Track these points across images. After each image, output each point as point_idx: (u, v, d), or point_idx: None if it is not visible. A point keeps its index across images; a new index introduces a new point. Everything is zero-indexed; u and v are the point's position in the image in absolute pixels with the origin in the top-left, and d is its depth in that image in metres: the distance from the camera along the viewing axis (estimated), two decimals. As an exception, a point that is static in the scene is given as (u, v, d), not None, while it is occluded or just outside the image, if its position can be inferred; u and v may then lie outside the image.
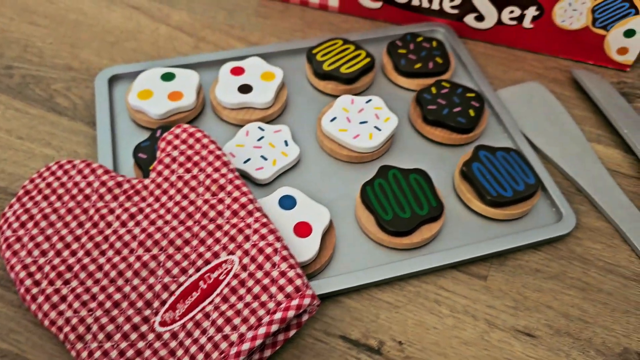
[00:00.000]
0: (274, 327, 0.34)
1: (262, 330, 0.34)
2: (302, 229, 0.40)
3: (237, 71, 0.50)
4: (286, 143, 0.46)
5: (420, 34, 0.57)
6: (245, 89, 0.49)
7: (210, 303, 0.36)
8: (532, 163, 0.47)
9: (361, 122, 0.47)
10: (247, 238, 0.38)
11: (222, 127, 0.49)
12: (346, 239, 0.42)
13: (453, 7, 0.56)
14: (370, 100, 0.49)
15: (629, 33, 0.54)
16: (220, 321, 0.35)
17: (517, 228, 0.44)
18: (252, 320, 0.34)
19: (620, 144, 0.51)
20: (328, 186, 0.45)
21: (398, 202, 0.42)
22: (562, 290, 0.41)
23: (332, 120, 0.47)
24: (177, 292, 0.37)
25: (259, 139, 0.47)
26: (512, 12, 0.55)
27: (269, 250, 0.37)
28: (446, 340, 0.38)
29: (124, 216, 0.39)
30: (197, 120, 0.49)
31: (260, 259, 0.37)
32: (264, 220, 0.38)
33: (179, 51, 0.56)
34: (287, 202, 0.42)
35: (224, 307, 0.35)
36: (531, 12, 0.54)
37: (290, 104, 0.51)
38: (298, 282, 0.36)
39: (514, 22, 0.56)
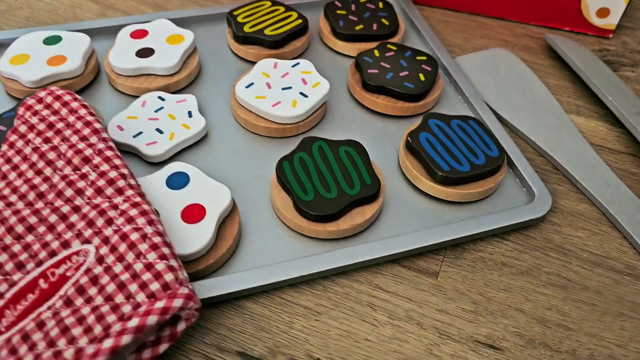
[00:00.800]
0: (125, 340, 0.24)
1: (107, 344, 0.24)
2: (193, 213, 0.31)
3: (139, 34, 0.41)
4: (190, 114, 0.37)
5: (364, -4, 0.48)
6: (144, 52, 0.40)
7: (49, 308, 0.26)
8: (496, 134, 0.38)
9: (284, 88, 0.38)
10: (109, 222, 0.28)
11: (117, 98, 0.40)
12: (256, 227, 0.33)
13: (404, -33, 0.48)
14: (297, 64, 0.40)
15: (610, -10, 0.45)
16: (54, 332, 0.25)
17: (478, 212, 0.34)
18: (97, 329, 0.25)
19: (604, 116, 0.42)
20: (240, 165, 0.36)
21: (323, 180, 0.33)
22: (536, 288, 0.32)
23: (248, 86, 0.38)
24: (8, 295, 0.27)
25: (157, 110, 0.37)
26: (472, -31, 0.47)
27: (134, 236, 0.27)
28: (382, 356, 0.28)
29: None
30: (86, 91, 0.40)
31: (123, 248, 0.27)
32: (137, 199, 0.29)
33: (81, 19, 0.47)
34: (178, 181, 0.32)
35: (64, 312, 0.26)
36: (494, -32, 0.46)
37: (204, 72, 0.42)
38: (169, 277, 0.26)
39: (476, -17, 0.48)
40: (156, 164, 0.36)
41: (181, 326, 0.26)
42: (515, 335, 0.30)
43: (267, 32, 0.42)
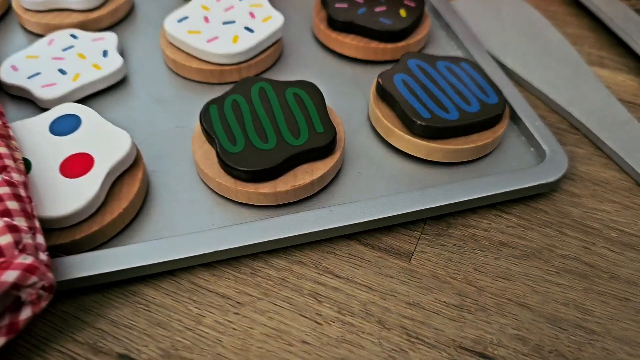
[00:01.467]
0: None
1: None
2: (77, 165, 0.23)
3: (57, -37, 0.34)
4: (105, 54, 0.29)
5: None
6: (58, -18, 0.32)
7: None
8: (497, 82, 0.29)
9: (226, 23, 0.30)
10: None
11: (25, 39, 0.32)
12: (168, 189, 0.25)
13: None
14: (247, -4, 0.32)
15: None
16: None
17: (469, 175, 0.26)
18: None
19: (635, 69, 0.33)
20: (162, 116, 0.28)
21: (259, 128, 0.24)
22: (546, 276, 0.23)
23: (180, 20, 0.30)
24: None
25: (66, 49, 0.30)
26: None
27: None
28: (323, 366, 0.20)
29: None
30: (-14, 30, 0.32)
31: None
32: (-9, 140, 0.21)
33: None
34: (66, 125, 0.24)
35: None
36: None
37: (137, 9, 0.34)
38: (4, 239, 0.18)
39: None
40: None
41: (25, 313, 0.18)
42: (515, 339, 0.21)
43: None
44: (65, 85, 0.27)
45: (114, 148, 0.23)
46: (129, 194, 0.23)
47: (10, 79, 0.28)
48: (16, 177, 0.20)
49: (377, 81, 0.27)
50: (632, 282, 0.23)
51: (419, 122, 0.25)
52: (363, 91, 0.30)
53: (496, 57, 0.33)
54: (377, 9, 0.31)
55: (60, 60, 0.29)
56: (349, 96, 0.29)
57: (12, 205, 0.19)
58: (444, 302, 0.22)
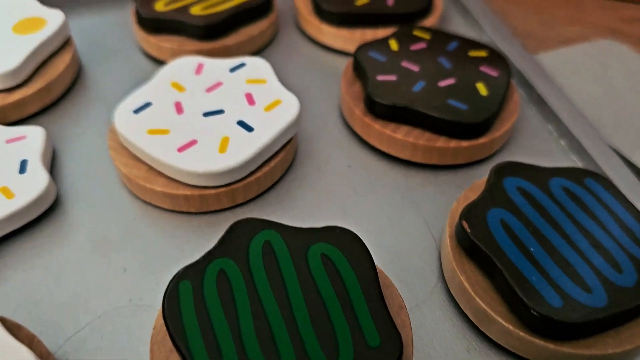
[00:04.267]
0: None
1: None
2: None
3: (-33, 16, 0.23)
4: (23, 167, 0.19)
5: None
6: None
7: None
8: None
9: (208, 113, 0.19)
10: None
11: None
12: None
13: None
14: (241, 66, 0.21)
15: None
16: None
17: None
18: None
19: None
20: (114, 277, 0.17)
21: (263, 332, 0.14)
22: None
23: (139, 109, 0.19)
24: None
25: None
26: None
27: None
28: None
29: None
30: None
31: None
32: None
33: None
34: None
35: None
36: None
37: (83, 83, 0.24)
38: None
39: None
40: None
41: None
42: None
43: (194, 10, 0.23)
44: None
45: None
46: None
47: None
48: None
49: (461, 225, 0.16)
50: None
51: (539, 313, 0.14)
52: (427, 222, 0.19)
53: (615, 147, 0.22)
54: (443, 83, 0.20)
55: (-53, 182, 0.18)
56: (402, 221, 0.19)
57: None
58: None
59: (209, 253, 0.15)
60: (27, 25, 0.23)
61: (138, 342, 0.16)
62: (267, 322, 0.14)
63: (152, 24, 0.24)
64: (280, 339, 0.14)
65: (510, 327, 0.15)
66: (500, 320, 0.15)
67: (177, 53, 0.23)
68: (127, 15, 0.27)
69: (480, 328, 0.16)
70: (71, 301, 0.17)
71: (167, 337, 0.15)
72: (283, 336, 0.14)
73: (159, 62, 0.24)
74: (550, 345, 0.15)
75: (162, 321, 0.15)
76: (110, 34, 0.26)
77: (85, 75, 0.24)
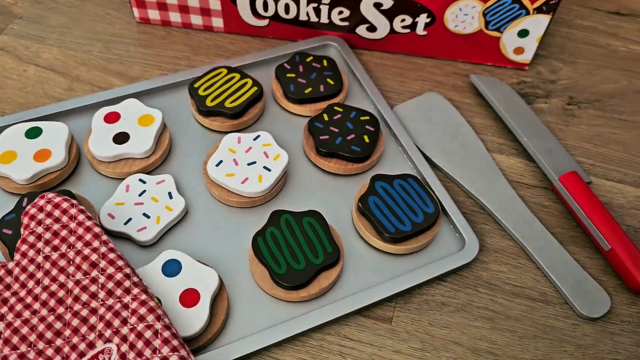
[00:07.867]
0: None
1: None
2: (189, 298, 0.37)
3: (112, 118, 0.46)
4: (170, 195, 0.43)
5: (309, 53, 0.53)
6: (121, 138, 0.45)
7: (87, 403, 0.32)
8: (432, 187, 0.45)
9: (249, 164, 0.44)
10: (124, 321, 0.34)
11: (102, 182, 0.45)
12: (241, 298, 0.39)
13: (342, 20, 0.53)
14: (258, 137, 0.45)
15: (523, 33, 0.52)
16: None
17: (422, 261, 0.42)
18: (132, 420, 0.31)
19: (522, 152, 0.50)
20: (219, 238, 0.42)
21: (292, 252, 0.39)
22: (469, 322, 0.40)
23: (217, 164, 0.44)
24: (49, 394, 0.33)
25: (141, 194, 0.43)
26: (403, 20, 0.52)
27: (148, 334, 0.34)
28: (352, 398, 0.36)
29: (-17, 313, 0.35)
30: (72, 178, 0.45)
31: (140, 345, 0.33)
32: (143, 297, 0.35)
33: (50, 95, 0.51)
34: (172, 268, 0.38)
35: (101, 406, 0.32)
36: (422, 19, 0.52)
37: (175, 147, 0.47)
38: (182, 366, 0.33)
39: (407, 30, 0.53)
40: (147, 246, 0.41)
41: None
42: (454, 365, 0.38)
43: (227, 104, 0.47)
44: (153, 228, 0.41)
45: (209, 282, 0.38)
46: (223, 309, 0.38)
47: (113, 226, 0.41)
48: (167, 320, 0.35)
49: (358, 205, 0.42)
50: (517, 319, 0.40)
51: (387, 235, 0.41)
52: (346, 200, 0.45)
53: (429, 156, 0.48)
54: (349, 137, 0.46)
55: (141, 205, 0.42)
56: (337, 206, 0.44)
57: (175, 342, 0.33)
58: (413, 347, 0.39)
59: (265, 225, 0.41)
60: (144, 120, 0.46)
61: (242, 262, 0.41)
62: (293, 250, 0.40)
63: (206, 112, 0.47)
64: (298, 254, 0.39)
65: (379, 241, 0.41)
66: (374, 238, 0.41)
67: (220, 127, 0.47)
68: (187, 98, 0.50)
69: (369, 242, 0.42)
70: (210, 250, 0.42)
71: (254, 257, 0.40)
72: (298, 252, 0.39)
73: (211, 131, 0.48)
74: (395, 246, 0.41)
75: (252, 253, 0.40)
76: (180, 112, 0.49)
77: (175, 141, 0.48)
